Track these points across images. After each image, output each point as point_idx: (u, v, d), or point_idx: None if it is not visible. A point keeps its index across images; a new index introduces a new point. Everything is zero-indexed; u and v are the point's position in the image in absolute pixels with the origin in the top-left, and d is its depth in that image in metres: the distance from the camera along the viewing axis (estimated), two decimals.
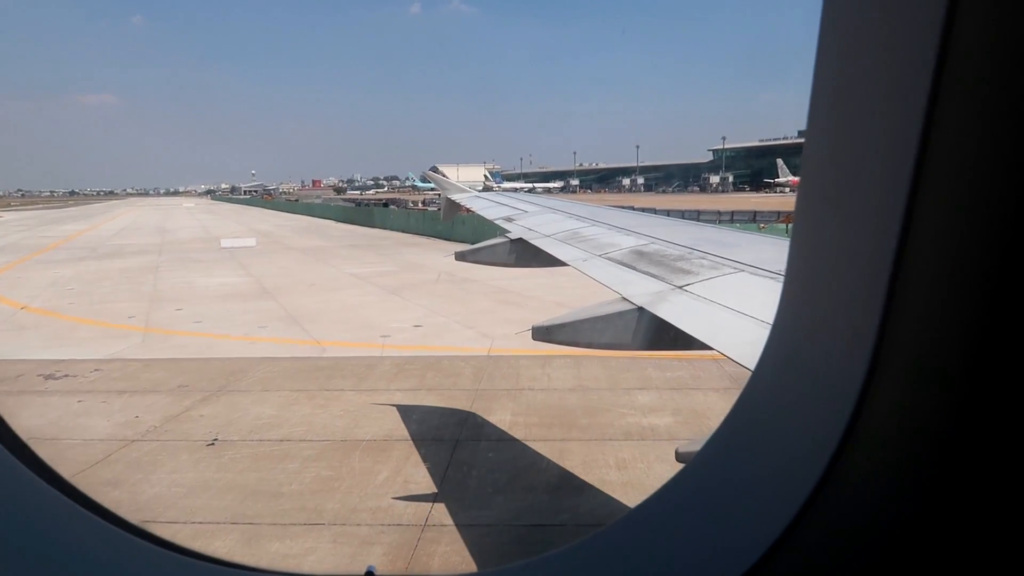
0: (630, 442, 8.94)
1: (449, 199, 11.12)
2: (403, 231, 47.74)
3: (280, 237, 47.09)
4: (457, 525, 6.75)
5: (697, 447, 1.32)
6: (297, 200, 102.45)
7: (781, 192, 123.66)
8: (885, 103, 0.81)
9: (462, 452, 8.62)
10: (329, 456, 8.57)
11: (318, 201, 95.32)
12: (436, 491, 7.49)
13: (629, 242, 4.98)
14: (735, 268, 3.68)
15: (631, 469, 8.07)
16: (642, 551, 1.18)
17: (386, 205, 74.34)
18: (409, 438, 9.14)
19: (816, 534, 0.93)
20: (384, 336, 15.50)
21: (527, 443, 8.93)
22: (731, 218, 47.09)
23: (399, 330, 16.19)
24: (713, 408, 10.24)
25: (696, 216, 40.19)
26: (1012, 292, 0.71)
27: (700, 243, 4.51)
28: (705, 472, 1.26)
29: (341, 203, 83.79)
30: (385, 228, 51.12)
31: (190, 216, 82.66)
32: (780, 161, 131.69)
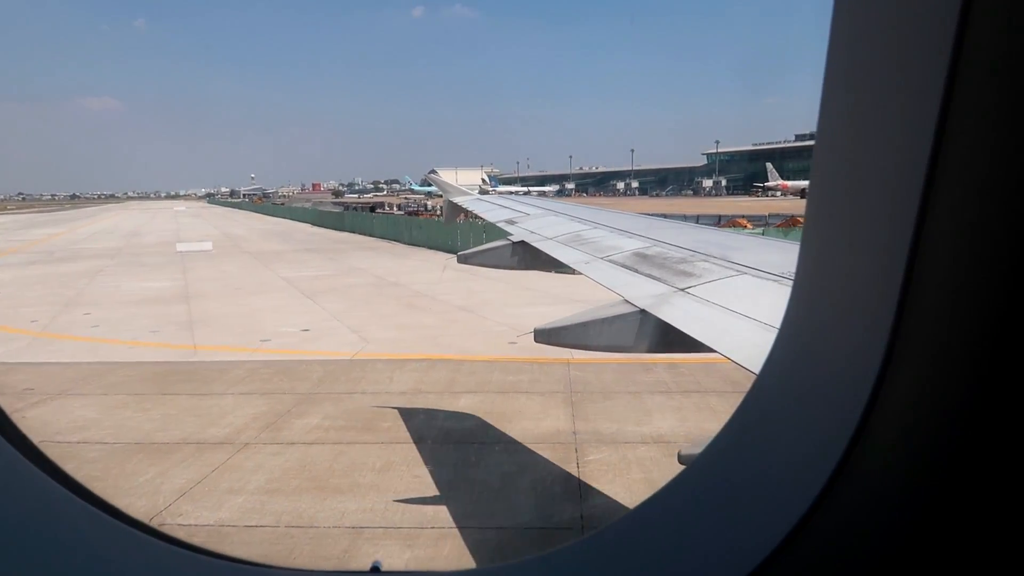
0: (416, 445, 9.14)
1: (451, 202, 11.14)
2: (369, 235, 48.22)
3: (244, 241, 47.45)
4: (177, 524, 6.97)
5: (700, 449, 1.31)
6: (283, 204, 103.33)
7: (772, 195, 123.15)
8: (898, 101, 0.81)
9: (241, 455, 8.84)
10: (111, 458, 8.80)
11: (308, 205, 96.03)
12: (183, 492, 7.72)
13: (631, 245, 5.01)
14: (738, 271, 3.68)
15: (390, 472, 8.28)
16: (644, 550, 1.16)
17: (372, 209, 74.87)
18: (202, 441, 9.37)
19: (825, 535, 0.92)
20: (264, 340, 15.74)
21: (309, 446, 9.15)
22: (696, 221, 47.33)
23: (285, 334, 16.44)
24: (524, 411, 10.43)
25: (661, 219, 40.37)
26: None
27: (702, 246, 4.50)
28: (709, 472, 1.24)
29: (331, 207, 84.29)
30: (353, 232, 51.56)
31: (172, 220, 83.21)
32: (769, 165, 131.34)
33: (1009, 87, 0.68)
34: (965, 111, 0.71)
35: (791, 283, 1.19)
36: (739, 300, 3.16)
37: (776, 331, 1.21)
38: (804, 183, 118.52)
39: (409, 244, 40.95)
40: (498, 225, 8.02)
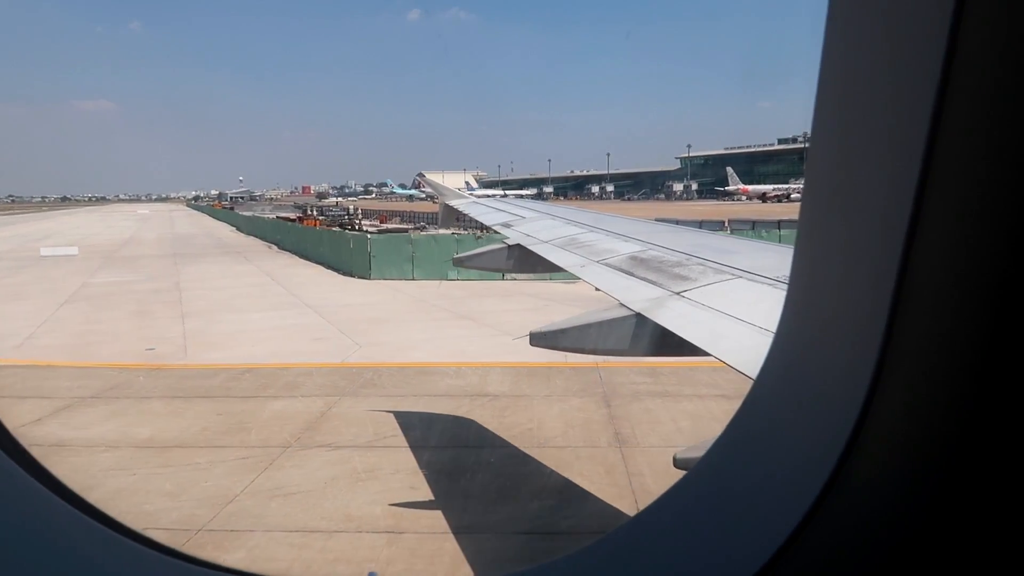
0: None
1: (447, 205, 11.34)
2: (261, 238, 49.51)
3: (134, 245, 48.66)
4: None
5: (697, 453, 1.29)
6: (232, 208, 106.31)
7: (738, 199, 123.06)
8: (891, 104, 0.81)
9: None
10: None
11: (268, 210, 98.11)
12: None
13: (627, 248, 5.02)
14: (733, 274, 3.68)
15: None
16: (644, 558, 1.17)
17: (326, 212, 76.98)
18: None
19: (822, 540, 0.92)
20: None
21: None
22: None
23: None
24: (77, 418, 11.02)
25: None
26: (1020, 294, 0.71)
27: (698, 249, 4.52)
28: (708, 478, 1.24)
29: (291, 210, 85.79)
30: (255, 236, 52.58)
31: (116, 223, 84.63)
32: (730, 169, 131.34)
33: (1001, 94, 0.69)
34: (958, 117, 0.71)
35: (786, 287, 1.21)
36: (734, 304, 3.18)
37: (771, 335, 1.23)
38: (764, 187, 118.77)
39: (281, 249, 41.87)
40: (494, 228, 8.11)
